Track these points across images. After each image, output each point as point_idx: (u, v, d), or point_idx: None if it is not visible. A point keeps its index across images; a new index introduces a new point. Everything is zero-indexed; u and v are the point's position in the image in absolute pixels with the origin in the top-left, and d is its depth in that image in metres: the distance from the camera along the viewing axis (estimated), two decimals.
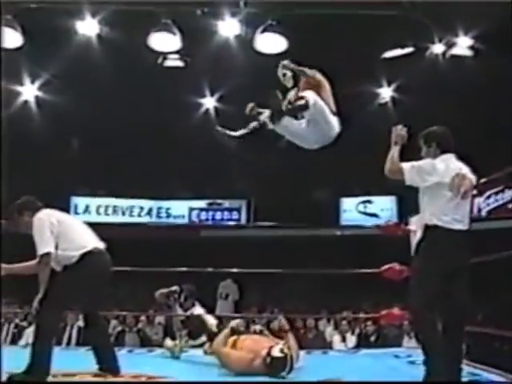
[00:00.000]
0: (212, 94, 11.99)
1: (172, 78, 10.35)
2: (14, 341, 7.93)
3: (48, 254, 3.54)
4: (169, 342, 5.16)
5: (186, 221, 13.72)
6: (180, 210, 13.86)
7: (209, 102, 12.24)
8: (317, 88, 3.68)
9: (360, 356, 5.41)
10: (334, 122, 3.67)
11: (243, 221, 13.74)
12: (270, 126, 3.69)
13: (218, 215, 13.86)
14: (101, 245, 3.83)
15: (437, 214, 3.29)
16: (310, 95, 3.54)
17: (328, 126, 3.63)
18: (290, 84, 3.73)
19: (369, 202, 13.39)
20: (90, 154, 12.51)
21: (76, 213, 12.96)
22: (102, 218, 13.27)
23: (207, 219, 13.81)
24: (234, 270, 6.78)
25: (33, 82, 11.32)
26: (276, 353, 3.80)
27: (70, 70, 9.97)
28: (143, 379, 3.63)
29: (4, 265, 3.85)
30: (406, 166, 3.36)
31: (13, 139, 10.72)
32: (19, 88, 11.45)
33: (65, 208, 4.35)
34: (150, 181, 12.60)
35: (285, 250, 11.28)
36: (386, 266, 5.21)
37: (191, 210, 13.81)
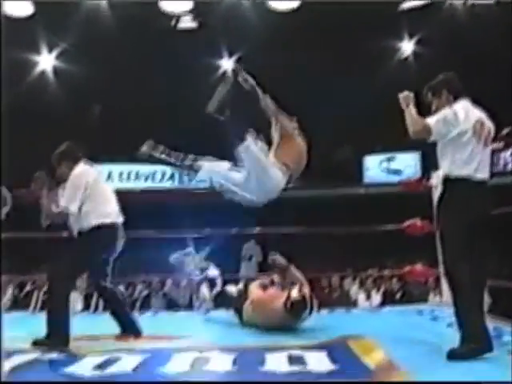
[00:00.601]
0: (230, 56, 11.84)
1: (187, 41, 10.22)
2: (44, 307, 8.13)
3: (67, 210, 3.58)
4: (233, 288, 5.13)
5: (208, 185, 13.66)
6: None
7: (226, 64, 12.10)
8: (285, 139, 3.76)
9: (383, 313, 5.40)
10: (277, 175, 3.55)
11: None
12: (199, 175, 3.70)
13: None
14: (119, 219, 3.84)
15: (460, 165, 3.15)
16: (251, 139, 3.43)
17: (267, 177, 3.51)
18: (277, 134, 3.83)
19: (392, 159, 13.21)
20: (110, 120, 12.52)
21: None
22: (125, 184, 13.34)
23: None
24: (258, 230, 6.81)
25: (50, 51, 11.30)
26: (295, 294, 3.89)
27: (84, 37, 9.92)
28: (164, 340, 3.67)
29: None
30: (430, 121, 3.18)
31: (33, 108, 10.81)
32: (36, 57, 11.45)
33: None
34: (171, 145, 12.55)
35: (308, 209, 11.22)
36: (408, 222, 5.15)
37: None
